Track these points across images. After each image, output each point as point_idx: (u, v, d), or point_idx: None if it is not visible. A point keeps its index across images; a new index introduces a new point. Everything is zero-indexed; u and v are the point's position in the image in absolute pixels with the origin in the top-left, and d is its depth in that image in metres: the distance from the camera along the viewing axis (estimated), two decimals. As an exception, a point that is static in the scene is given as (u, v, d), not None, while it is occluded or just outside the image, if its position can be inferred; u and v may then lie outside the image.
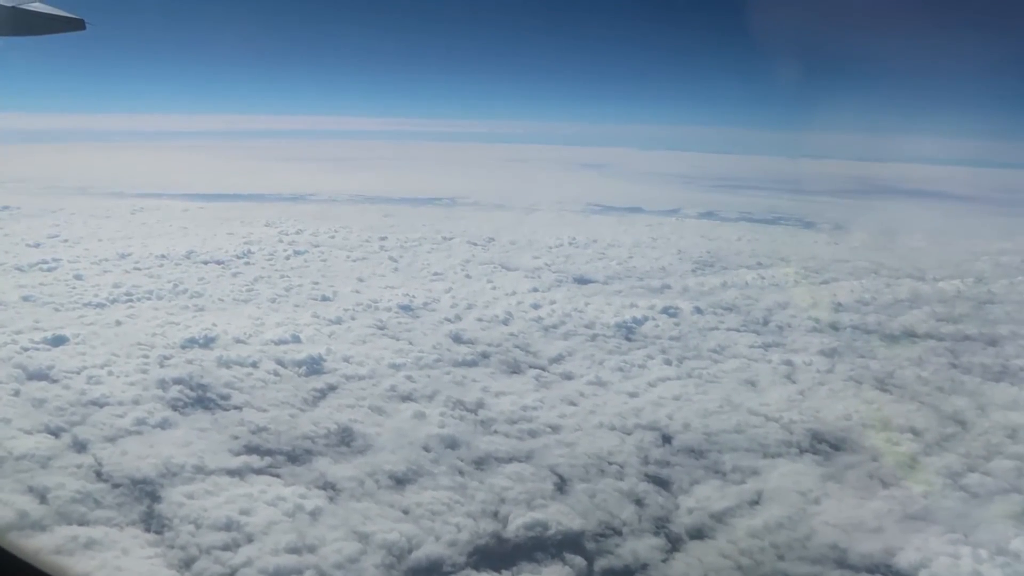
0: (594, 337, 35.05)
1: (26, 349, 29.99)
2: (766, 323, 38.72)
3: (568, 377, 29.94)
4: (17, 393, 25.89)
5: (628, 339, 35.25)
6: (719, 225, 75.22)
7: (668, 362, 32.17)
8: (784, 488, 21.75)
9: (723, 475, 22.66)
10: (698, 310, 40.10)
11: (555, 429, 24.94)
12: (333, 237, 57.88)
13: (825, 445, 24.70)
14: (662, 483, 22.02)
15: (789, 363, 32.33)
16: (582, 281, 46.50)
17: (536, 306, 39.34)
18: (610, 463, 22.86)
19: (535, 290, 43.11)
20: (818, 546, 19.05)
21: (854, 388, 29.89)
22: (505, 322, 36.59)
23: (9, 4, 5.78)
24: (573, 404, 27.15)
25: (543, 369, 30.75)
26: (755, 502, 21.11)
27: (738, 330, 37.24)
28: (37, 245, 51.44)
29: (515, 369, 30.69)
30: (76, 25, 6.03)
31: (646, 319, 37.86)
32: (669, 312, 39.26)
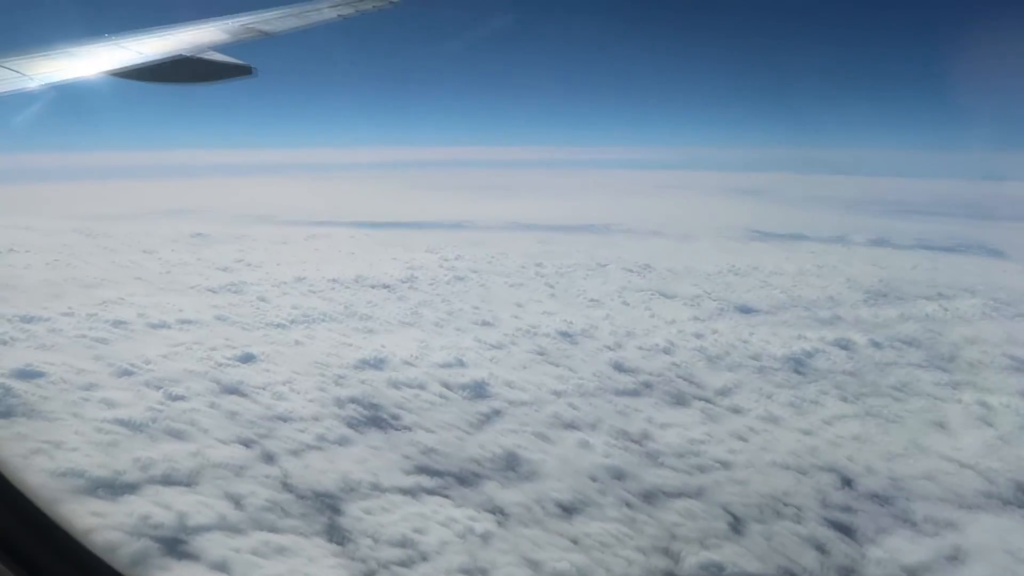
0: (761, 369, 33.60)
1: (220, 365, 32.57)
2: (953, 359, 35.60)
3: (736, 411, 28.82)
4: (213, 405, 28.12)
5: (798, 372, 33.52)
6: (892, 253, 70.23)
7: (844, 398, 30.28)
8: (988, 545, 19.73)
9: (914, 525, 20.92)
10: (874, 343, 37.55)
11: (725, 465, 24.02)
12: (491, 263, 59.09)
13: (1035, 499, 22.23)
14: (845, 530, 20.60)
15: (984, 404, 29.49)
16: (745, 310, 44.82)
17: (698, 335, 38.30)
18: (786, 504, 21.69)
19: (696, 319, 42.02)
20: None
21: (1065, 435, 26.79)
22: (667, 351, 35.85)
23: (188, 55, 6.32)
24: (743, 440, 26.07)
25: (709, 401, 29.79)
26: (954, 558, 19.29)
27: (921, 366, 34.47)
28: (226, 269, 55.94)
29: (680, 400, 29.92)
30: (245, 71, 6.55)
31: (817, 352, 35.90)
32: (841, 345, 37.05)
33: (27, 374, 29.13)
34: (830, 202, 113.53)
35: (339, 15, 8.31)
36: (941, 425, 27.80)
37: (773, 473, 23.52)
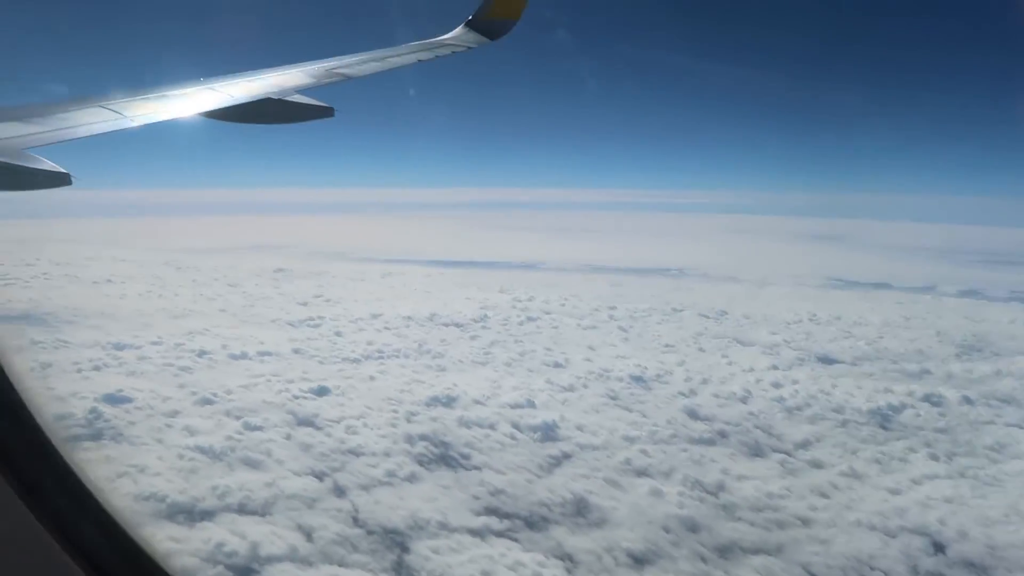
0: (844, 423, 32.24)
1: (296, 397, 33.27)
2: (1056, 421, 33.42)
3: (817, 465, 27.65)
4: (288, 437, 28.69)
5: (884, 428, 32.03)
6: (985, 305, 66.82)
7: (934, 457, 28.71)
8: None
9: (1015, 598, 19.50)
10: (967, 400, 35.60)
11: (805, 522, 23.00)
12: (563, 305, 58.89)
13: None
14: (937, 598, 19.36)
15: (1092, 470, 27.49)
16: (827, 361, 43.24)
17: (777, 385, 37.10)
18: (872, 567, 20.57)
19: (774, 368, 40.75)
20: None
21: None
22: (743, 400, 34.82)
23: (275, 97, 6.56)
24: (825, 496, 24.95)
25: (788, 454, 28.69)
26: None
27: (1020, 426, 32.46)
28: (305, 304, 57.42)
29: (757, 452, 28.93)
30: (327, 113, 6.79)
31: (904, 407, 34.25)
32: (931, 400, 35.25)
33: (116, 399, 30.42)
34: (916, 250, 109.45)
35: (417, 59, 8.57)
36: (1043, 490, 26.01)
37: (858, 533, 22.37)
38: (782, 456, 28.46)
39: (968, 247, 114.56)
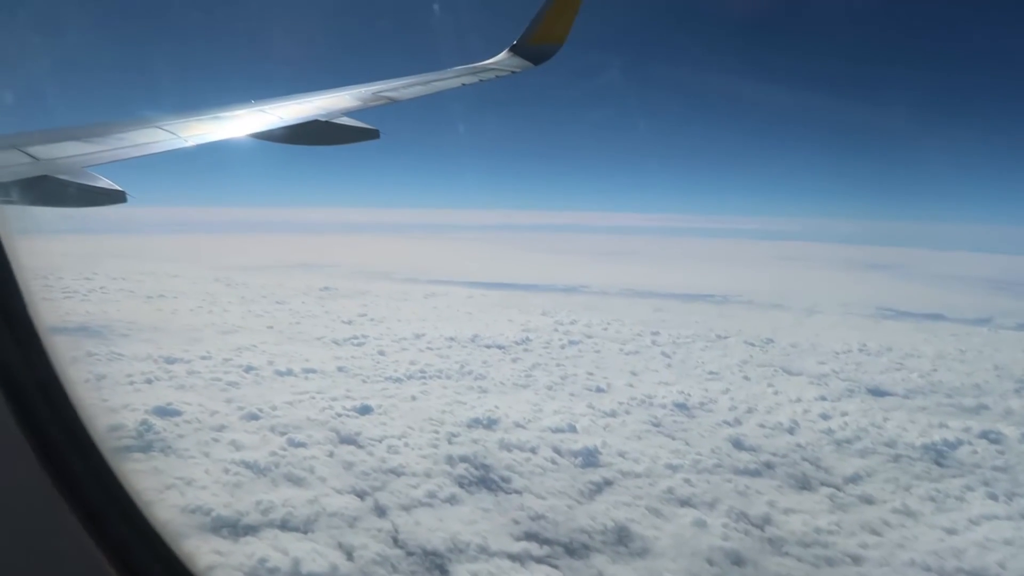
0: (897, 458, 31.22)
1: (339, 415, 33.50)
2: None
3: (868, 501, 26.79)
4: (331, 455, 28.86)
5: (939, 464, 30.92)
6: (1046, 339, 64.44)
7: (993, 497, 27.59)
8: None
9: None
10: (1028, 438, 34.23)
11: (856, 560, 22.27)
12: (606, 329, 58.48)
13: None
14: (996, 645, 18.48)
15: None
16: (877, 393, 42.01)
17: (825, 416, 36.16)
18: (927, 610, 19.76)
19: (823, 399, 39.74)
20: None
21: None
22: (790, 431, 33.99)
23: (323, 119, 6.69)
24: (876, 534, 24.13)
25: (837, 488, 27.85)
26: None
27: (1086, 467, 31.06)
28: (349, 322, 58.03)
29: (804, 485, 28.16)
30: (372, 135, 6.86)
31: (960, 443, 33.05)
32: (990, 437, 33.98)
33: (166, 412, 31.03)
34: (972, 281, 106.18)
35: (462, 83, 8.65)
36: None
37: (911, 574, 21.56)
38: (831, 490, 27.64)
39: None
